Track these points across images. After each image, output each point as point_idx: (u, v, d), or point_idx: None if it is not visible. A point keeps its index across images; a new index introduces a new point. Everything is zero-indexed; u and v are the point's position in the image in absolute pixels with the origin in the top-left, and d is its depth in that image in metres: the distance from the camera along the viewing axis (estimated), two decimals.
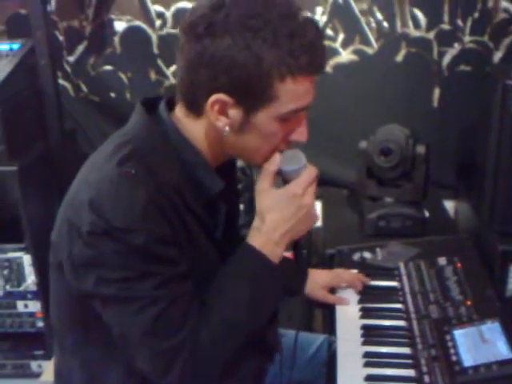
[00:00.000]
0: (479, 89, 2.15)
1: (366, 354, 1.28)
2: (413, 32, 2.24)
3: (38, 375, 2.09)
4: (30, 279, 1.94)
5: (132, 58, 2.38)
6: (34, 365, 2.07)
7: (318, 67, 1.01)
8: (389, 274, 1.58)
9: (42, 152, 2.05)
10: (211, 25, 0.95)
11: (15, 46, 2.01)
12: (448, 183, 2.32)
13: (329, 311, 1.51)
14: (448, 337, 1.28)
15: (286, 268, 1.51)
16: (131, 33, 2.35)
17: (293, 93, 0.99)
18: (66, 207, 1.05)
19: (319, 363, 1.47)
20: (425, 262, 1.58)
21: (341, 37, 2.26)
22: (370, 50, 2.27)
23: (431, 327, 1.33)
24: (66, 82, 2.41)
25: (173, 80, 2.37)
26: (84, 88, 2.43)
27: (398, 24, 2.24)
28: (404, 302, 1.45)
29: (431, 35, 2.23)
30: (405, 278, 1.54)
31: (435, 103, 2.29)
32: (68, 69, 2.41)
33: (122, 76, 2.39)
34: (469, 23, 2.21)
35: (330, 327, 1.46)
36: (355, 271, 1.59)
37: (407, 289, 1.49)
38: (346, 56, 2.27)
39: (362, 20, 2.25)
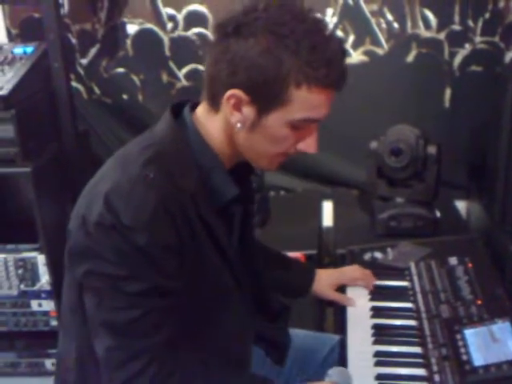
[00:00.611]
0: (490, 89, 2.14)
1: (377, 353, 1.29)
2: (423, 33, 2.24)
3: (52, 373, 2.11)
4: (44, 279, 1.96)
5: (144, 60, 2.40)
6: (48, 363, 2.09)
7: (335, 82, 1.02)
8: (400, 273, 1.58)
9: (56, 154, 2.07)
10: (239, 26, 1.00)
11: (29, 50, 2.03)
12: (459, 183, 2.32)
13: (340, 310, 1.51)
14: (458, 336, 1.28)
15: (295, 269, 1.53)
16: (143, 35, 2.37)
17: (306, 101, 1.01)
18: (83, 197, 1.07)
19: (332, 365, 1.46)
20: (435, 262, 1.58)
21: (351, 38, 2.27)
22: (380, 51, 2.27)
23: (442, 326, 1.33)
24: (79, 85, 2.44)
25: (184, 82, 2.39)
26: (97, 90, 2.45)
27: (409, 25, 2.25)
28: (415, 302, 1.45)
29: (442, 36, 2.23)
30: (415, 278, 1.54)
31: (446, 103, 2.29)
32: (81, 71, 2.43)
33: (135, 78, 2.41)
34: (480, 24, 2.20)
35: (340, 326, 1.47)
36: (367, 270, 1.59)
37: (418, 288, 1.50)
38: (356, 57, 2.28)
39: (373, 21, 2.25)
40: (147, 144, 1.07)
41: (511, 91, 1.76)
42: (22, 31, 2.39)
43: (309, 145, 1.09)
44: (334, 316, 1.81)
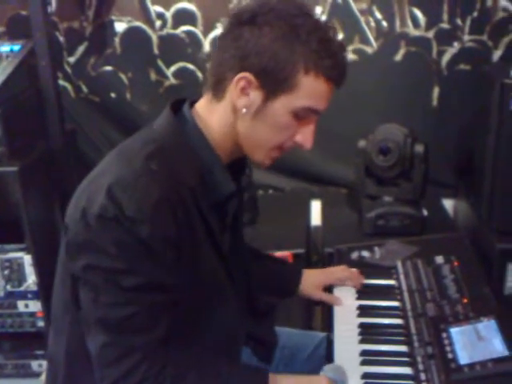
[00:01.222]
0: (478, 88, 2.15)
1: (363, 352, 1.29)
2: (412, 31, 2.25)
3: (38, 375, 2.10)
4: (31, 279, 1.95)
5: (132, 58, 2.39)
6: (34, 364, 2.08)
7: (338, 75, 1.07)
8: (386, 272, 1.58)
9: (43, 152, 2.06)
10: (254, 15, 1.04)
11: (16, 48, 2.02)
12: (447, 182, 2.33)
13: (327, 309, 1.51)
14: (444, 335, 1.28)
15: (282, 269, 1.53)
16: (131, 33, 2.37)
17: (312, 89, 1.04)
18: (82, 191, 1.06)
19: (318, 361, 1.47)
20: (422, 261, 1.58)
21: (340, 36, 2.26)
22: (369, 50, 2.28)
23: (428, 325, 1.33)
24: (67, 83, 2.43)
25: (173, 80, 2.38)
26: (84, 88, 2.44)
27: (398, 23, 2.25)
28: (401, 300, 1.45)
29: (430, 34, 2.24)
30: (402, 277, 1.54)
31: (434, 102, 2.30)
32: (68, 69, 2.42)
33: (123, 76, 2.40)
34: (468, 22, 2.21)
35: (328, 325, 1.47)
36: (354, 270, 1.60)
37: (404, 287, 1.49)
38: None
39: (362, 19, 2.26)
40: (148, 139, 1.08)
41: (498, 90, 1.77)
42: (9, 29, 2.37)
43: (306, 138, 1.10)
44: (321, 315, 1.81)
